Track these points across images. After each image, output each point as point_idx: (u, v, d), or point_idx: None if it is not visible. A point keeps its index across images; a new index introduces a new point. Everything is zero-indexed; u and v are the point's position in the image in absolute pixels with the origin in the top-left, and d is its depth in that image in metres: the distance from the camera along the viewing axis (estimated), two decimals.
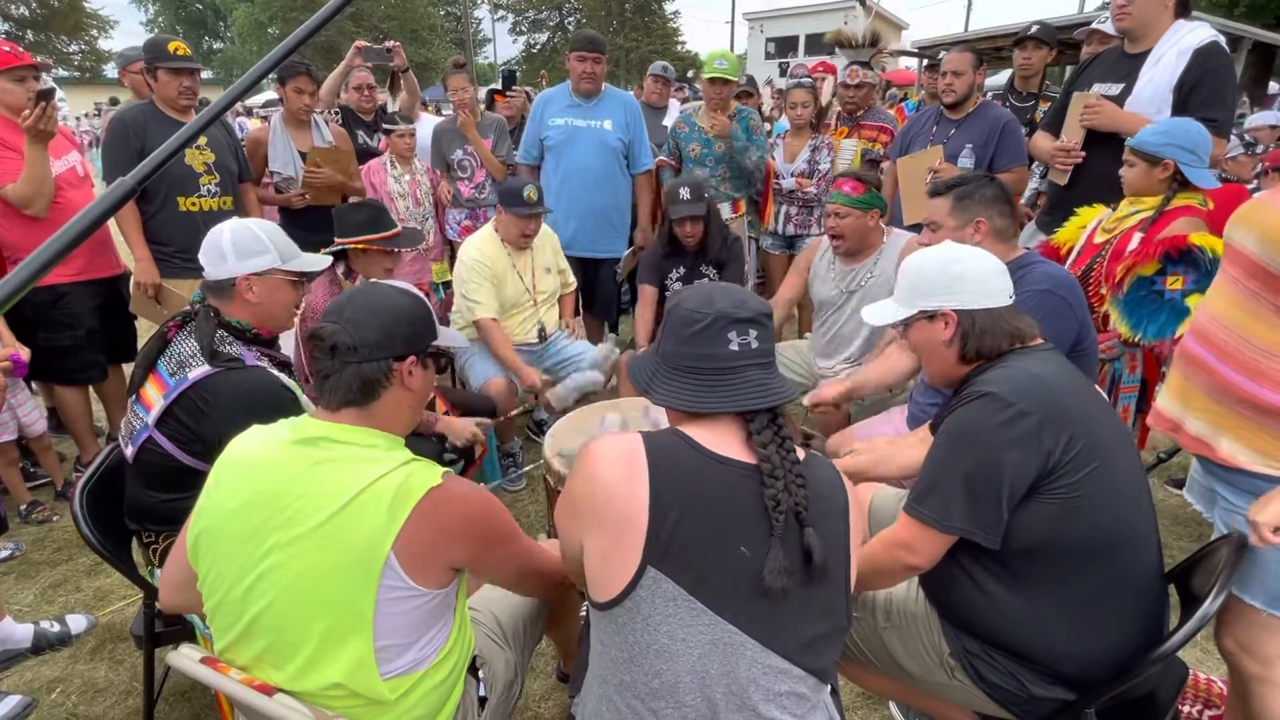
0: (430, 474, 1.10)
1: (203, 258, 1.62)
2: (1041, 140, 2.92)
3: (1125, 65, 2.65)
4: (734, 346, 1.05)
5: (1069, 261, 2.37)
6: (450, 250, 3.89)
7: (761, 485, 1.00)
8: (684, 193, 3.00)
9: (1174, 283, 2.08)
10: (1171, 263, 2.05)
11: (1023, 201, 3.74)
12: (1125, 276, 2.10)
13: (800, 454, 1.08)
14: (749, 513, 1.00)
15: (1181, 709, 1.79)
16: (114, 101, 10.80)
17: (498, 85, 4.83)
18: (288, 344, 2.52)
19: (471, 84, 3.80)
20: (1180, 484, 2.93)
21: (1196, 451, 1.46)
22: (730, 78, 3.60)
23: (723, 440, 1.04)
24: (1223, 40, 2.50)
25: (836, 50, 4.41)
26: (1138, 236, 2.12)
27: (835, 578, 1.04)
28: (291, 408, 1.56)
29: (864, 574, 1.33)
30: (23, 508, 2.83)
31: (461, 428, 2.32)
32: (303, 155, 3.38)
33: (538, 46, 40.04)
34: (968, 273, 1.39)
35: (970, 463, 1.24)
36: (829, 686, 1.11)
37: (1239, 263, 1.38)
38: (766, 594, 0.97)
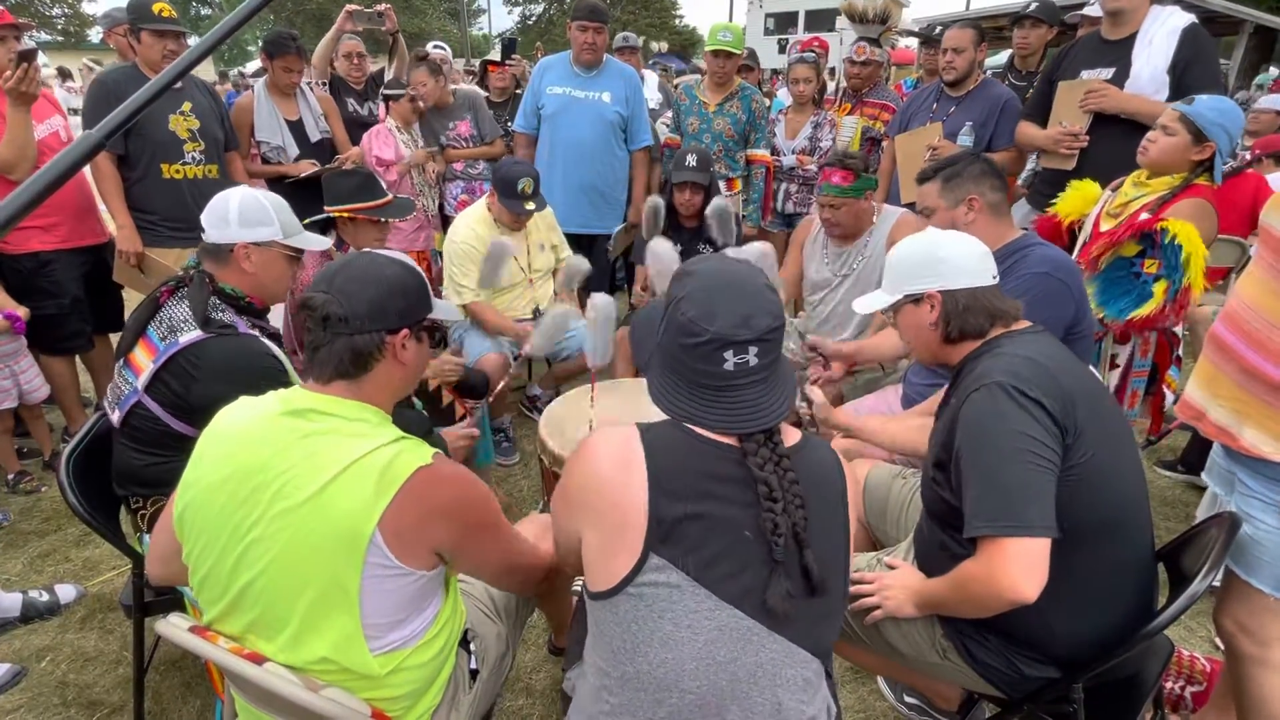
0: (420, 453, 1.08)
1: (205, 220, 1.62)
2: (1030, 130, 2.90)
3: (1111, 51, 2.67)
4: (729, 366, 1.00)
5: (1075, 251, 2.35)
6: (447, 223, 3.86)
7: (758, 503, 0.98)
8: (691, 159, 2.96)
9: (1150, 266, 2.06)
10: (1151, 245, 2.04)
11: (1020, 183, 3.72)
12: (1102, 255, 2.08)
13: (795, 435, 1.07)
14: (750, 497, 0.98)
15: (1165, 685, 1.81)
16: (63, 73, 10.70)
17: (490, 56, 4.75)
18: (276, 315, 2.49)
19: (434, 76, 3.73)
20: (1170, 466, 2.97)
21: (1219, 440, 1.46)
22: (734, 51, 3.53)
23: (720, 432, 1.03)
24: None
25: (838, 25, 4.35)
26: (1145, 216, 2.09)
27: (835, 566, 1.03)
28: (279, 378, 1.55)
29: (954, 604, 1.30)
30: (10, 477, 2.81)
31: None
32: (289, 123, 3.33)
33: (534, 18, 39.33)
34: (951, 254, 1.38)
35: (1012, 452, 1.18)
36: (826, 670, 1.11)
37: (1272, 246, 1.36)
38: (770, 614, 0.97)
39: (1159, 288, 2.02)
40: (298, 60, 3.26)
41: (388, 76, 4.00)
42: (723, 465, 1.00)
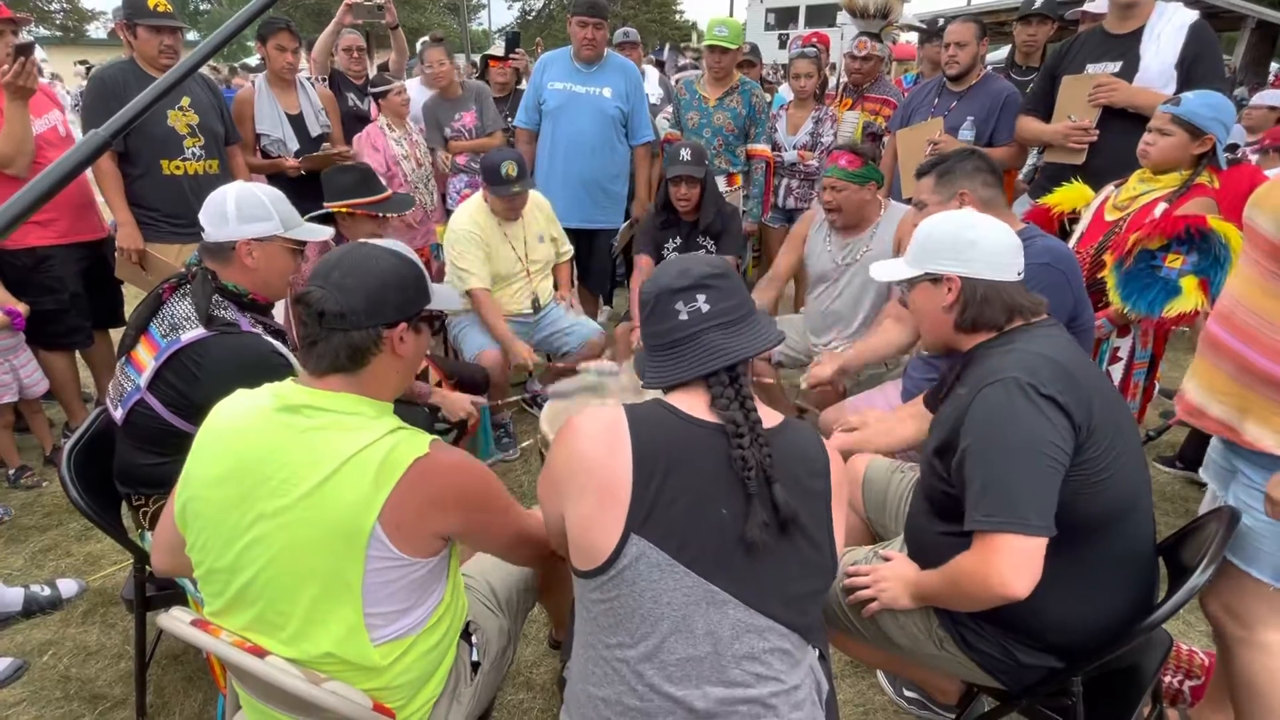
0: (417, 443, 1.08)
1: (203, 218, 1.60)
2: (1035, 124, 2.89)
3: (1118, 45, 2.70)
4: (683, 316, 1.08)
5: (1074, 238, 2.35)
6: (449, 216, 3.86)
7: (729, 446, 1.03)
8: (685, 153, 2.97)
9: (1173, 261, 2.06)
10: (1179, 241, 2.03)
11: (1020, 178, 3.71)
12: (1135, 247, 2.08)
13: (776, 417, 1.09)
14: (727, 474, 1.02)
15: (1163, 679, 1.82)
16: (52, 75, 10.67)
17: (491, 51, 4.74)
18: (278, 310, 2.49)
19: (449, 58, 3.73)
20: (1169, 462, 2.97)
21: (1222, 435, 1.47)
22: (730, 46, 3.52)
23: (698, 405, 1.07)
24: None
25: (839, 20, 4.33)
26: (1162, 207, 2.09)
27: (815, 535, 1.05)
28: (284, 374, 1.52)
29: (947, 597, 1.31)
30: (11, 472, 2.81)
31: (456, 403, 2.28)
32: (290, 117, 3.31)
33: (533, 13, 39.20)
34: (981, 241, 1.37)
35: (1021, 449, 1.19)
36: (816, 650, 1.12)
37: (1259, 245, 1.37)
38: (748, 550, 0.99)
39: (1188, 283, 2.02)
40: (290, 38, 3.21)
41: (371, 73, 3.98)
42: (703, 442, 1.03)
